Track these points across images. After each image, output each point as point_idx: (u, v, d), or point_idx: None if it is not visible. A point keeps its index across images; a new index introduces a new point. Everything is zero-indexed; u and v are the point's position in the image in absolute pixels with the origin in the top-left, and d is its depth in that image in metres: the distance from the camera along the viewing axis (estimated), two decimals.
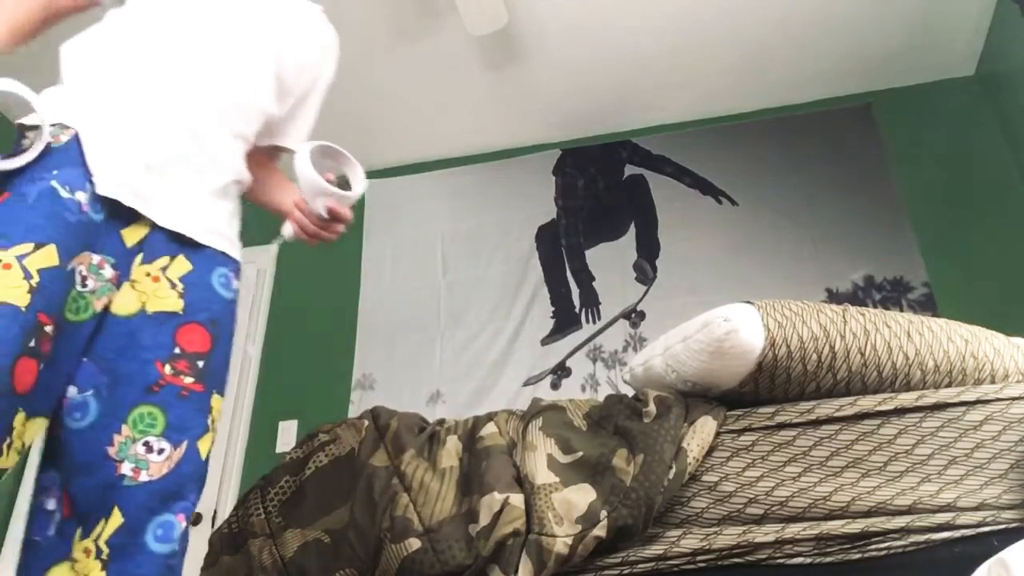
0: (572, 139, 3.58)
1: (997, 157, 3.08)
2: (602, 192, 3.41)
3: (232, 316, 1.24)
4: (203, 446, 1.14)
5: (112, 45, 1.25)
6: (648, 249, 3.22)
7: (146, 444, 1.08)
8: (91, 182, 1.09)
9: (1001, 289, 2.81)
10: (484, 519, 1.25)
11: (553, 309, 3.19)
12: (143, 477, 1.07)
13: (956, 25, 3.06)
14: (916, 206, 3.05)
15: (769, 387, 1.38)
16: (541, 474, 1.30)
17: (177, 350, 1.13)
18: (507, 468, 1.34)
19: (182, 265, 1.18)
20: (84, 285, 1.07)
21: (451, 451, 1.43)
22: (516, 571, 1.20)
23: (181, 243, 1.18)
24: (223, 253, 1.24)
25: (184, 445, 1.11)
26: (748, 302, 1.40)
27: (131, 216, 1.14)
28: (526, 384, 3.05)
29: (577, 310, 3.17)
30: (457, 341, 3.19)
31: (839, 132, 3.27)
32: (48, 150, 1.08)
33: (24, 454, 1.04)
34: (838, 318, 1.38)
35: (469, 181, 3.57)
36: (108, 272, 1.10)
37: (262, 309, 3.39)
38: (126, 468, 1.06)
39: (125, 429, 1.08)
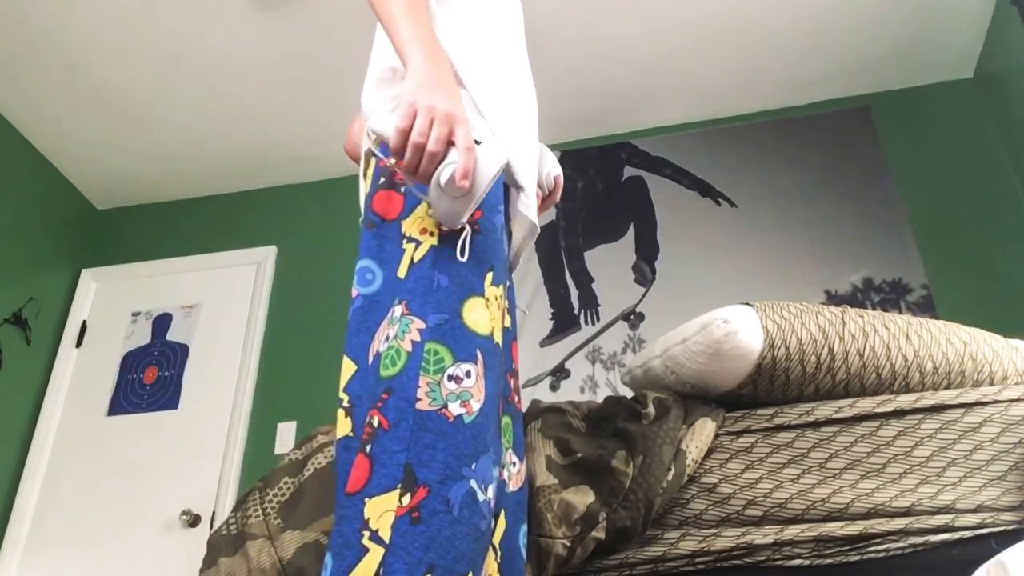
0: (571, 140, 3.59)
1: (995, 159, 3.08)
2: (601, 193, 3.41)
3: None
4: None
5: (498, 75, 1.20)
6: (647, 250, 3.22)
7: (510, 454, 1.08)
8: (502, 210, 1.09)
9: (1000, 291, 2.82)
10: None
11: (552, 311, 3.19)
12: (512, 486, 1.07)
13: (954, 27, 3.07)
14: (915, 208, 3.05)
15: (768, 389, 1.38)
16: (540, 476, 1.29)
17: (513, 365, 1.14)
18: None
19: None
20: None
21: None
22: None
23: None
24: None
25: (524, 461, 1.11)
26: (747, 304, 1.40)
27: None
28: (525, 386, 3.05)
29: (576, 312, 3.17)
30: None
31: (838, 134, 3.27)
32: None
33: None
34: (837, 320, 1.38)
35: None
36: None
37: (262, 309, 3.39)
38: (505, 474, 1.06)
39: (502, 439, 1.07)
